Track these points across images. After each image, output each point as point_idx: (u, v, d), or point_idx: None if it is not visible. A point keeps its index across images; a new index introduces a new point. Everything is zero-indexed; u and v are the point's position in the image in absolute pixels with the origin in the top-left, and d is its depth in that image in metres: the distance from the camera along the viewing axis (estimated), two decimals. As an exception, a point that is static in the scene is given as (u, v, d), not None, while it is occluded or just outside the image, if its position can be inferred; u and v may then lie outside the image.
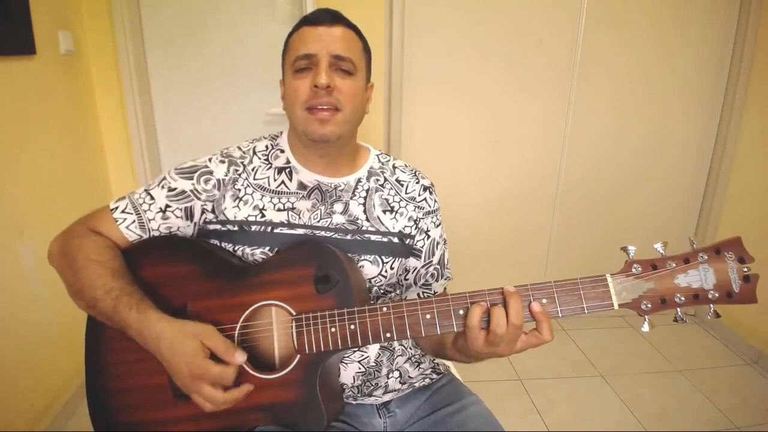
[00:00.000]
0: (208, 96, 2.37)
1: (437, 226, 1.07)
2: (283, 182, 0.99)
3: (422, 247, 1.05)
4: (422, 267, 1.06)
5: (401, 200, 1.03)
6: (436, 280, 1.09)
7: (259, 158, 1.01)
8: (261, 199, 0.97)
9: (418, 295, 1.09)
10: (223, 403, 0.82)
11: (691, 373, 2.33)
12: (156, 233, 0.96)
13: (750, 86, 2.47)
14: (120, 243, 0.95)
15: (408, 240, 1.03)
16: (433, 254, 1.07)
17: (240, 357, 0.82)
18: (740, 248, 0.73)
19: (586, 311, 0.76)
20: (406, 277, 1.08)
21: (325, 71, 0.89)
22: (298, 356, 0.86)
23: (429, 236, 1.05)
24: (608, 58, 2.47)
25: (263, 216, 0.96)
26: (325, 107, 0.90)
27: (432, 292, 1.09)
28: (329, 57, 0.90)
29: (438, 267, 1.08)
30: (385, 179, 1.04)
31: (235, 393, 0.82)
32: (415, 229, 1.03)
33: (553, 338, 0.77)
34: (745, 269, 0.73)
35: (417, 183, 1.06)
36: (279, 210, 0.96)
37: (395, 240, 1.00)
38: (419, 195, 1.05)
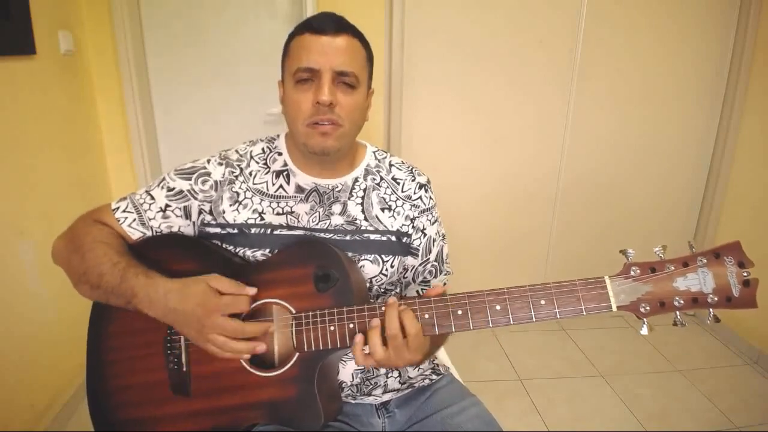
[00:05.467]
0: (208, 96, 2.37)
1: (433, 223, 1.07)
2: (281, 186, 0.99)
3: (419, 245, 1.05)
4: (420, 265, 1.06)
5: (398, 199, 1.03)
6: (435, 277, 1.09)
7: (257, 162, 1.01)
8: (260, 203, 0.97)
9: (417, 292, 1.09)
10: (242, 332, 0.82)
11: (691, 373, 2.33)
12: (158, 231, 0.97)
13: (750, 86, 2.47)
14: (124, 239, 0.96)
15: (405, 238, 1.03)
16: (430, 251, 1.07)
17: (251, 289, 0.84)
18: (740, 253, 0.73)
19: (584, 313, 0.76)
20: (405, 275, 1.08)
21: (327, 87, 0.88)
22: (297, 354, 0.86)
23: (425, 234, 1.05)
24: (608, 58, 2.47)
25: (262, 219, 0.96)
26: (326, 123, 0.90)
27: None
28: (332, 72, 0.88)
29: (436, 263, 1.08)
30: (382, 178, 1.04)
31: (256, 326, 0.84)
32: (412, 227, 1.03)
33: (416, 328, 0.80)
34: (745, 274, 0.72)
35: (413, 181, 1.06)
36: (278, 214, 0.97)
37: (393, 239, 1.01)
38: (415, 193, 1.05)
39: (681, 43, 2.49)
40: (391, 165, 1.06)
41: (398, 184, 1.05)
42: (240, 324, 0.82)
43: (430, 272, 1.08)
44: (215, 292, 0.82)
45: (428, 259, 1.07)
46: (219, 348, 0.83)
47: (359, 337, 0.82)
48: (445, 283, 1.11)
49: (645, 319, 0.76)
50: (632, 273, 0.75)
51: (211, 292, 0.82)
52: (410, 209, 1.03)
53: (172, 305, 0.82)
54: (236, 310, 0.82)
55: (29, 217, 1.74)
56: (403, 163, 1.08)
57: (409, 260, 1.06)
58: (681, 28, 2.47)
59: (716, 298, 0.73)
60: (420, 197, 1.05)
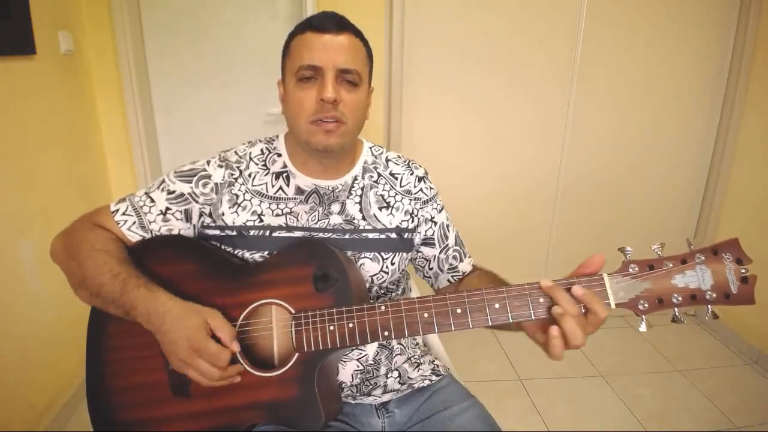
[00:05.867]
0: (208, 96, 2.37)
1: (440, 210, 1.08)
2: (280, 188, 0.99)
3: (432, 234, 1.06)
4: (441, 253, 1.07)
5: (396, 194, 1.03)
6: (461, 261, 1.09)
7: (256, 164, 1.01)
8: (259, 205, 0.97)
9: (449, 280, 1.09)
10: (218, 379, 0.83)
11: (691, 373, 2.32)
12: (158, 234, 0.97)
13: (750, 86, 2.47)
14: (123, 241, 0.96)
15: (407, 234, 1.03)
16: (447, 237, 1.08)
17: (236, 346, 0.84)
18: (738, 249, 0.73)
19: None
20: (430, 267, 1.09)
21: (331, 85, 0.88)
22: (297, 354, 0.86)
23: (435, 222, 1.06)
24: (608, 58, 2.47)
25: (261, 221, 0.96)
26: (330, 120, 0.90)
27: (461, 273, 1.09)
28: (335, 70, 0.89)
29: (457, 248, 1.09)
30: (379, 174, 1.04)
31: (230, 371, 0.84)
32: (412, 222, 1.03)
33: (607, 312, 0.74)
34: (743, 270, 0.72)
35: (411, 174, 1.06)
36: (277, 215, 0.97)
37: (393, 236, 1.01)
38: (415, 187, 1.05)
39: (681, 43, 2.49)
40: (388, 160, 1.07)
41: (396, 179, 1.05)
42: (217, 372, 0.82)
43: (454, 257, 1.09)
44: (208, 332, 0.83)
45: (447, 245, 1.08)
46: (195, 379, 0.85)
47: (556, 330, 0.74)
48: (473, 264, 1.11)
49: (643, 316, 0.76)
50: (631, 270, 0.75)
51: (203, 331, 0.82)
52: (410, 203, 1.04)
53: (165, 327, 0.83)
54: (216, 363, 0.82)
55: (29, 217, 1.74)
56: (399, 157, 1.09)
57: (428, 251, 1.07)
58: (681, 28, 2.47)
59: (714, 295, 0.73)
60: (421, 189, 1.05)
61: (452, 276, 1.09)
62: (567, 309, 0.74)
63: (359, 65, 0.92)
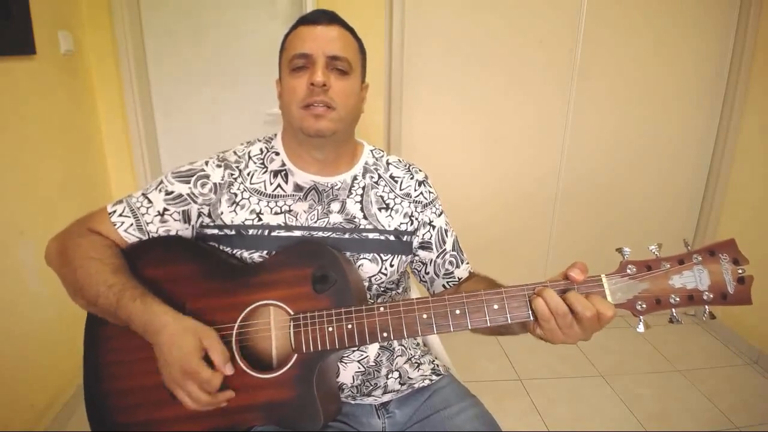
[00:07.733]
0: (208, 96, 2.37)
1: (439, 215, 1.08)
2: (279, 185, 0.99)
3: (430, 238, 1.05)
4: (437, 257, 1.07)
5: (396, 197, 1.03)
6: (457, 267, 1.08)
7: (255, 162, 1.01)
8: (258, 203, 0.97)
9: (444, 286, 1.09)
10: (206, 404, 0.83)
11: (691, 373, 2.32)
12: (155, 235, 0.96)
13: (750, 86, 2.47)
14: (119, 244, 0.95)
15: (405, 237, 1.03)
16: (444, 242, 1.07)
17: (229, 369, 0.84)
18: (734, 250, 0.73)
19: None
20: (426, 271, 1.09)
21: (321, 70, 0.90)
22: (296, 356, 0.86)
23: (434, 226, 1.06)
24: (608, 58, 2.47)
25: (260, 220, 0.96)
26: (319, 105, 0.91)
27: (457, 279, 1.08)
28: (325, 57, 0.91)
29: (454, 253, 1.08)
30: (380, 176, 1.05)
31: (219, 397, 0.84)
32: (411, 225, 1.03)
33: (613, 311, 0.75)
34: (740, 271, 0.72)
35: (411, 178, 1.06)
36: (276, 213, 0.97)
37: (392, 238, 1.01)
38: (415, 190, 1.05)
39: (681, 43, 2.49)
40: (388, 163, 1.07)
41: (396, 182, 1.05)
42: (206, 398, 0.82)
43: (450, 263, 1.08)
44: (201, 354, 0.82)
45: (445, 249, 1.07)
46: (182, 400, 0.84)
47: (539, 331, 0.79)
48: (470, 271, 1.10)
49: (641, 317, 0.75)
50: (628, 271, 0.75)
51: (197, 354, 0.82)
52: (409, 206, 1.04)
53: (160, 343, 0.83)
54: (207, 388, 0.82)
55: (29, 217, 1.74)
56: (400, 161, 1.09)
57: (425, 255, 1.06)
58: (681, 28, 2.46)
59: (712, 296, 0.73)
60: (421, 193, 1.06)
61: (448, 281, 1.08)
62: (554, 308, 0.76)
63: (349, 54, 0.94)
